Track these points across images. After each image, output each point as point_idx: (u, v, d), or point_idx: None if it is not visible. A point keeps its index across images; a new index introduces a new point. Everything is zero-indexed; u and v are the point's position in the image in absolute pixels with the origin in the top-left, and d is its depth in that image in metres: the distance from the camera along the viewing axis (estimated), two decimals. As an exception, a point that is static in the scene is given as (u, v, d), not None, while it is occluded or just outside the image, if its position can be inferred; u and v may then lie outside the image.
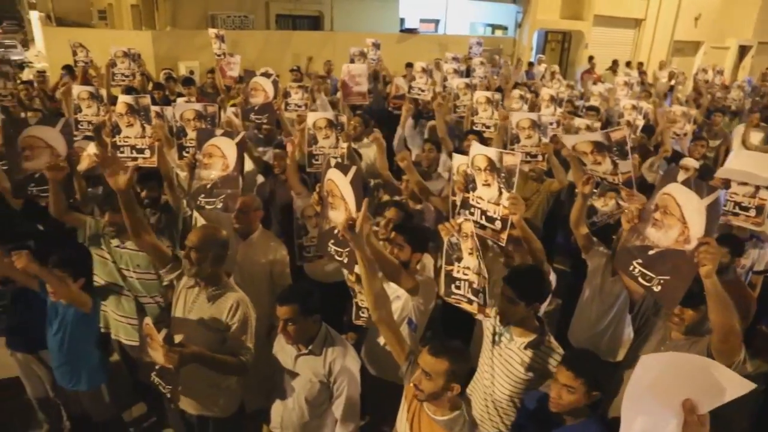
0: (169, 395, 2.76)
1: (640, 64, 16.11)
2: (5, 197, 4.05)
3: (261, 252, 3.72)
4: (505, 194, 2.93)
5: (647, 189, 3.96)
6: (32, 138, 3.70)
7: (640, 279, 2.59)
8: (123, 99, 4.08)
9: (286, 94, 6.27)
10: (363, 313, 3.49)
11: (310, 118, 4.56)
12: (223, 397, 3.02)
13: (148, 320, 2.74)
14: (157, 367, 2.75)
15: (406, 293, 3.09)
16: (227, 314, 2.84)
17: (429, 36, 18.09)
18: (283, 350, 2.84)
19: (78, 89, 5.20)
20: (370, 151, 5.70)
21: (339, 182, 2.82)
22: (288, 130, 5.77)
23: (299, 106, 6.24)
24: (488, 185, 3.03)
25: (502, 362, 2.81)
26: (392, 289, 3.08)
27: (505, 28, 19.27)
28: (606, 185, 3.90)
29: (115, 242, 3.58)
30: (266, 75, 6.86)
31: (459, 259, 2.83)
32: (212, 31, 8.44)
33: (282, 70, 9.80)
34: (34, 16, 25.87)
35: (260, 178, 5.06)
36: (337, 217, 2.91)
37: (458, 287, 2.86)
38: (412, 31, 17.39)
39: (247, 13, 15.00)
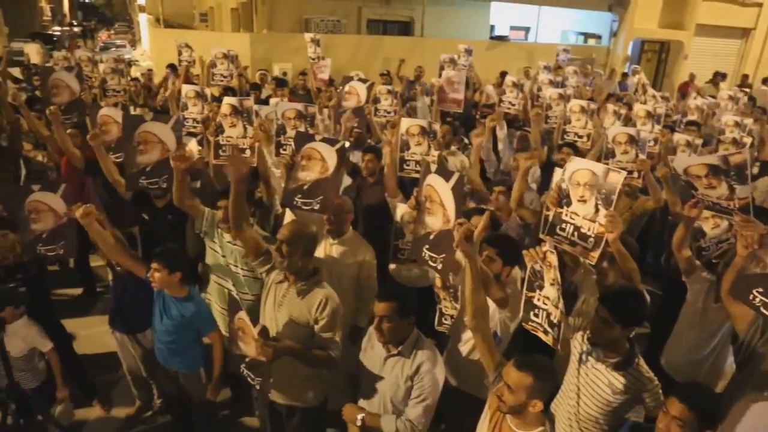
0: (257, 387, 2.83)
1: (745, 76, 15.12)
2: (116, 187, 4.32)
3: (351, 253, 3.79)
4: (602, 211, 2.82)
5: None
6: (147, 133, 3.89)
7: (762, 309, 2.46)
8: (228, 101, 4.24)
9: (376, 100, 6.36)
10: (446, 320, 3.48)
11: (403, 123, 4.58)
12: (312, 388, 3.12)
13: (242, 314, 2.82)
14: (246, 360, 2.84)
15: (494, 305, 3.06)
16: (316, 309, 2.92)
17: (519, 44, 17.84)
18: (373, 350, 2.88)
19: (186, 88, 5.51)
20: (456, 159, 5.69)
21: (439, 188, 2.82)
22: (378, 135, 5.85)
23: (388, 113, 6.32)
24: (584, 201, 2.91)
25: (588, 382, 2.73)
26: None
27: (599, 37, 18.62)
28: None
29: (227, 237, 3.70)
30: (363, 80, 6.96)
31: (540, 287, 2.70)
32: (308, 36, 8.70)
33: (372, 74, 9.94)
34: (143, 19, 27.80)
35: (346, 180, 5.14)
36: (433, 223, 2.90)
37: (536, 315, 2.74)
38: (502, 39, 17.20)
39: (340, 17, 15.33)
